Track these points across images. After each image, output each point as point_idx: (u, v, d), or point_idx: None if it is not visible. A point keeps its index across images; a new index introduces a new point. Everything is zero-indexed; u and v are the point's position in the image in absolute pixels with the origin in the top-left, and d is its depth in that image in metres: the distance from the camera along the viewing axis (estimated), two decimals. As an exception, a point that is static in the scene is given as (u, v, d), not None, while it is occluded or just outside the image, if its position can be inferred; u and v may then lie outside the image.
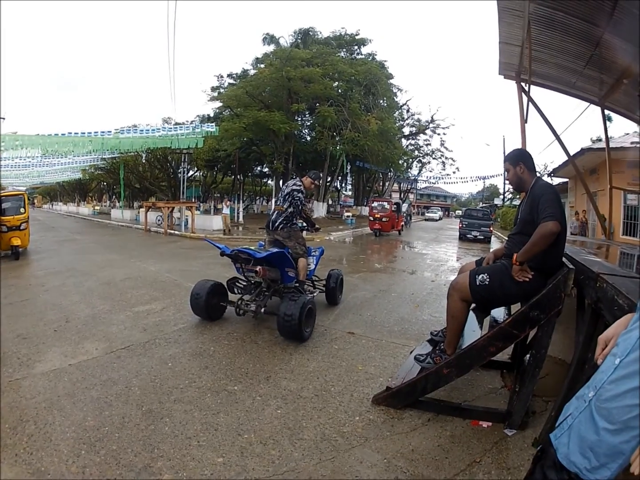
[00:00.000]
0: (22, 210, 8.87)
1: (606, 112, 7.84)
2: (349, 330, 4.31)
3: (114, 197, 38.67)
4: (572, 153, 8.95)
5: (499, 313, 3.13)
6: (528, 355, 2.57)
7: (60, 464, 2.02)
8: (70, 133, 13.67)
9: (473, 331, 2.77)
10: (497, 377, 3.27)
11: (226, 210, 16.37)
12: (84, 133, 14.01)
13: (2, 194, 9.03)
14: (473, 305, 2.80)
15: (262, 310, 4.08)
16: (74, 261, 8.40)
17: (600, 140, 10.35)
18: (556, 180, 18.80)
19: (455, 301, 2.61)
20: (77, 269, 7.35)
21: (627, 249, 5.04)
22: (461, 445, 2.35)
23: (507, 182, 5.72)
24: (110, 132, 15.06)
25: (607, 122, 8.07)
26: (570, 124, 10.01)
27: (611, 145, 8.63)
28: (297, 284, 4.48)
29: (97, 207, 34.41)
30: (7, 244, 8.35)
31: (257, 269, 3.93)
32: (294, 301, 3.74)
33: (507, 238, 2.83)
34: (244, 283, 4.51)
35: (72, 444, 2.19)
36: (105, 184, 37.28)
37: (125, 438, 2.27)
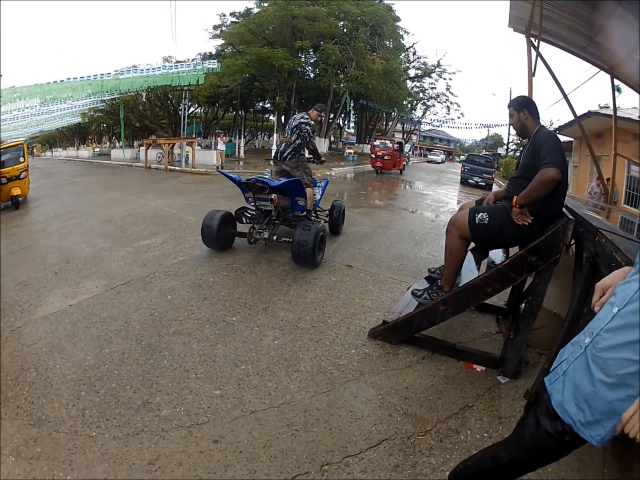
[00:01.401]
0: (21, 159, 8.86)
1: (616, 82, 7.30)
2: (347, 263, 4.30)
3: (113, 137, 37.62)
4: (579, 114, 8.46)
5: (497, 255, 3.08)
6: (524, 304, 2.55)
7: (61, 409, 2.05)
8: (69, 79, 13.12)
9: (470, 271, 2.72)
10: (493, 322, 3.27)
11: (221, 146, 15.97)
12: (83, 77, 13.47)
13: (0, 147, 8.86)
14: (471, 245, 2.76)
15: (275, 237, 4.14)
16: (74, 203, 8.31)
17: (608, 107, 9.79)
18: (561, 138, 17.81)
19: (453, 237, 2.56)
20: (77, 211, 7.27)
21: (629, 217, 4.95)
22: (454, 387, 2.37)
23: (510, 126, 5.61)
24: (109, 74, 14.65)
25: (617, 93, 7.60)
26: (580, 85, 9.43)
27: (619, 114, 8.21)
28: (305, 213, 4.58)
29: (96, 149, 33.50)
30: (7, 195, 8.34)
31: (272, 196, 3.99)
32: (308, 229, 3.81)
33: (508, 181, 2.75)
34: (252, 213, 4.54)
35: (72, 387, 2.22)
36: (105, 125, 36.26)
37: (124, 375, 2.31)
